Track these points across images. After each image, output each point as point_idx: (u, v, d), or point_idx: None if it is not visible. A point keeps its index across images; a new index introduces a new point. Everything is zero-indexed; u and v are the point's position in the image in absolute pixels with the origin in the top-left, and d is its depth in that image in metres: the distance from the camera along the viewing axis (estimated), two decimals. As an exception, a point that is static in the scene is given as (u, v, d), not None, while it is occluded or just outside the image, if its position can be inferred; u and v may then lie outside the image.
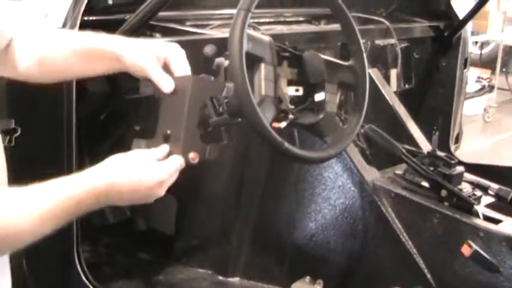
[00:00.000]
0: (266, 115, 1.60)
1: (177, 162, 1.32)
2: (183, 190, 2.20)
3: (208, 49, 1.72)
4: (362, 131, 2.03)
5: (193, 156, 1.40)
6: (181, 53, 1.43)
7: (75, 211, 1.11)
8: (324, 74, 1.78)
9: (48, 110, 1.68)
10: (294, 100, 1.78)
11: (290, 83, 1.79)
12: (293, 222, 2.10)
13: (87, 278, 1.74)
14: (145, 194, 1.24)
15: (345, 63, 1.84)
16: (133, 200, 1.23)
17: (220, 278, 2.29)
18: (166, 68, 1.39)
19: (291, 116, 1.71)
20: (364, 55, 1.85)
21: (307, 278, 2.07)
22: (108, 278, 2.01)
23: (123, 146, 2.10)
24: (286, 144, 1.60)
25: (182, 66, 1.42)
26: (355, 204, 2.01)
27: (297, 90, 1.80)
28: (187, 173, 2.17)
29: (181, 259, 2.31)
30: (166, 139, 1.39)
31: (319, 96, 1.78)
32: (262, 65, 1.64)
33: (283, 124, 1.67)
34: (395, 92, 2.52)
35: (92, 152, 2.06)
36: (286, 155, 1.61)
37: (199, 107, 1.44)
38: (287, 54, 1.79)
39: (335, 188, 2.06)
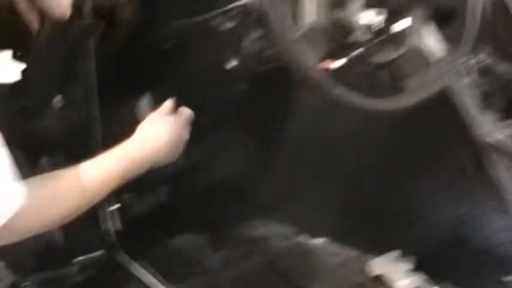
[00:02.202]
0: (313, 51, 1.22)
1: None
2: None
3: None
4: (478, 67, 1.55)
5: None
6: None
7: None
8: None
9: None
10: (370, 30, 1.35)
11: (367, 5, 1.35)
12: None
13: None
14: (177, 145, 1.38)
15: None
16: (172, 155, 1.37)
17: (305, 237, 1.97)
18: None
19: (355, 52, 1.29)
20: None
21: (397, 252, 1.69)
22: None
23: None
24: (339, 90, 1.22)
25: None
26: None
27: (377, 15, 1.36)
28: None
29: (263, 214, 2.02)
30: None
31: (401, 25, 1.33)
32: None
33: (336, 64, 1.26)
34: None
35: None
36: (340, 103, 1.23)
37: None
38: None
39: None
